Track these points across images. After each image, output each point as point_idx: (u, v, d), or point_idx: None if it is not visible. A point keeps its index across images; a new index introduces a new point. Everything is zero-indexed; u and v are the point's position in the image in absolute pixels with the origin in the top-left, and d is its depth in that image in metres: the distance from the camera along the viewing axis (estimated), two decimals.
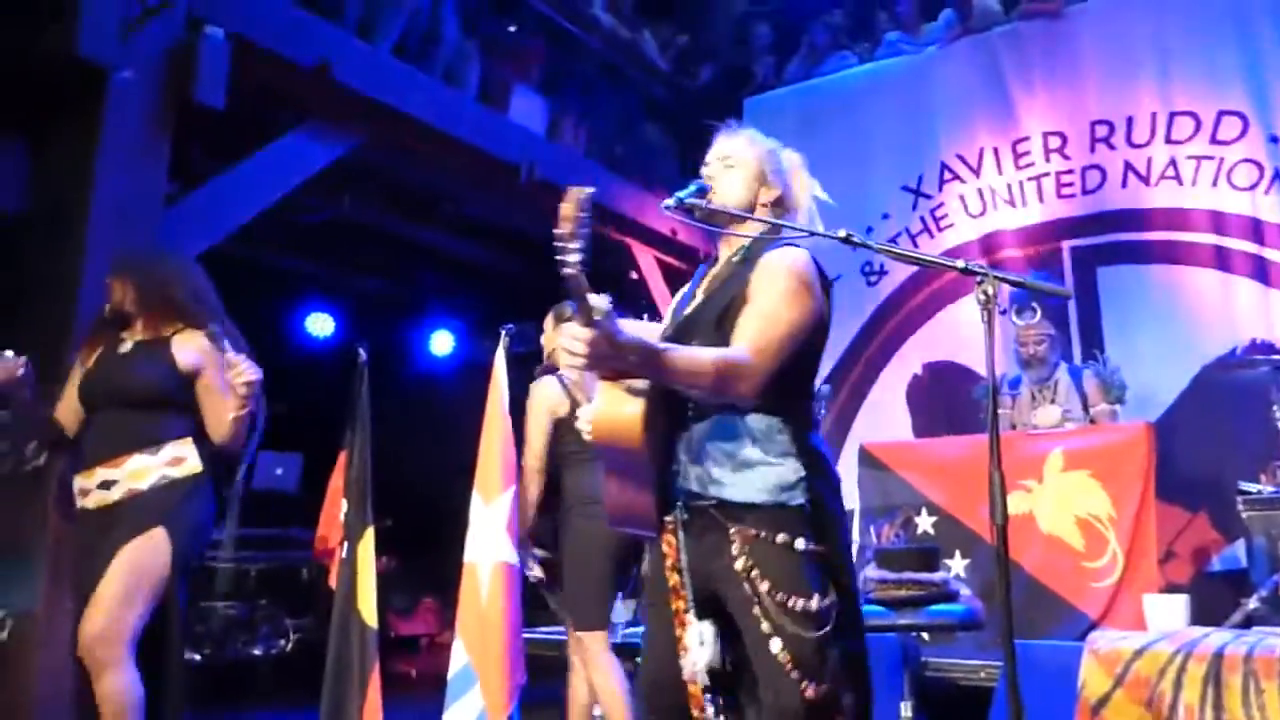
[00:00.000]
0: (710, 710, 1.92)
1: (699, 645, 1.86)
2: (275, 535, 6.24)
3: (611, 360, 1.73)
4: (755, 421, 1.89)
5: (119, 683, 2.36)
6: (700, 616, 1.88)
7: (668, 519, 1.93)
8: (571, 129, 5.80)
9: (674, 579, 1.91)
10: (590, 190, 1.69)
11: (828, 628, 1.82)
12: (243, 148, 4.07)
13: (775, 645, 1.81)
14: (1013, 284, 1.89)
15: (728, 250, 2.10)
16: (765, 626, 1.82)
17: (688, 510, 1.91)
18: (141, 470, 2.55)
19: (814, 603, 1.81)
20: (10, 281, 3.49)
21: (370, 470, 3.48)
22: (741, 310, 1.91)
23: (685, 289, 2.20)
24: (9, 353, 2.59)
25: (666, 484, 1.92)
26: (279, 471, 6.57)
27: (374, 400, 3.58)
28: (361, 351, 3.58)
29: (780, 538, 1.84)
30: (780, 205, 2.11)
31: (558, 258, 1.67)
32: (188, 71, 3.60)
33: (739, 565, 1.84)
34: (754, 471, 1.87)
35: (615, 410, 1.82)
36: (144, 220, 3.51)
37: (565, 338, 1.72)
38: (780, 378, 1.87)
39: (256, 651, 5.99)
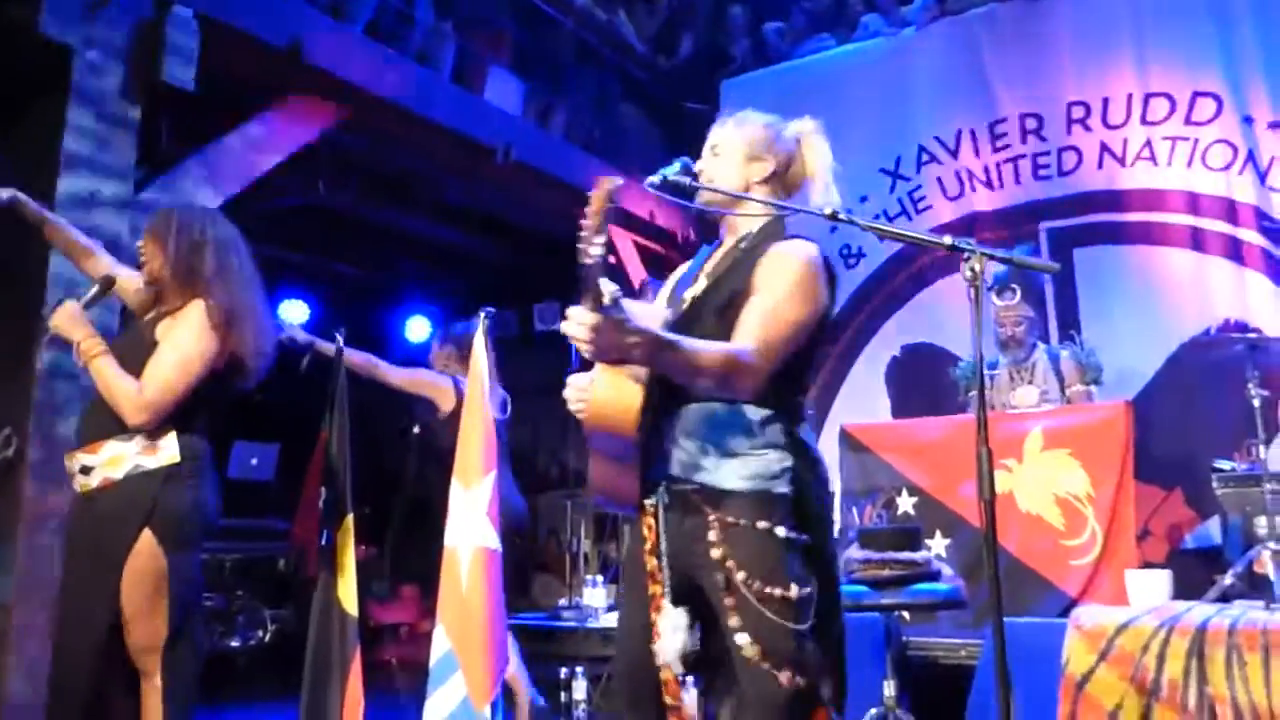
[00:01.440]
0: (691, 695, 1.90)
1: (672, 632, 1.81)
2: (252, 526, 6.18)
3: (617, 348, 1.67)
4: (747, 412, 1.87)
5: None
6: (676, 602, 1.84)
7: (648, 501, 1.90)
8: (548, 111, 5.74)
9: (651, 563, 1.88)
10: (620, 181, 1.65)
11: (807, 619, 1.79)
12: (213, 130, 3.99)
13: (743, 639, 1.78)
14: (999, 260, 1.89)
15: (732, 235, 2.07)
16: (734, 620, 1.79)
17: (669, 493, 1.88)
18: (116, 458, 2.45)
19: (792, 592, 1.78)
20: None
21: (349, 457, 3.43)
22: (745, 301, 1.87)
23: (686, 269, 2.16)
24: None
25: (650, 465, 1.90)
26: (254, 461, 6.51)
27: (350, 387, 3.53)
28: (338, 336, 3.53)
29: (760, 524, 1.81)
30: (779, 178, 2.09)
31: (580, 246, 1.60)
32: (155, 52, 3.52)
33: (715, 553, 1.82)
34: (738, 460, 1.85)
35: (615, 397, 1.80)
36: (113, 203, 3.44)
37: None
38: (777, 372, 1.84)
39: (234, 643, 5.93)
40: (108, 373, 2.43)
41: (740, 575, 1.79)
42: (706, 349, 1.77)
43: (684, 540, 1.87)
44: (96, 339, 2.47)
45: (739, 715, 1.87)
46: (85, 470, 2.44)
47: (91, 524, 2.43)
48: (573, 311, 1.66)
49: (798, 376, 1.94)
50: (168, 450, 2.47)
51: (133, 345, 2.50)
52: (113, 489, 2.43)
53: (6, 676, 3.03)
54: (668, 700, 1.87)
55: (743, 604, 1.79)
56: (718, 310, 1.91)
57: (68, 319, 2.48)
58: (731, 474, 1.85)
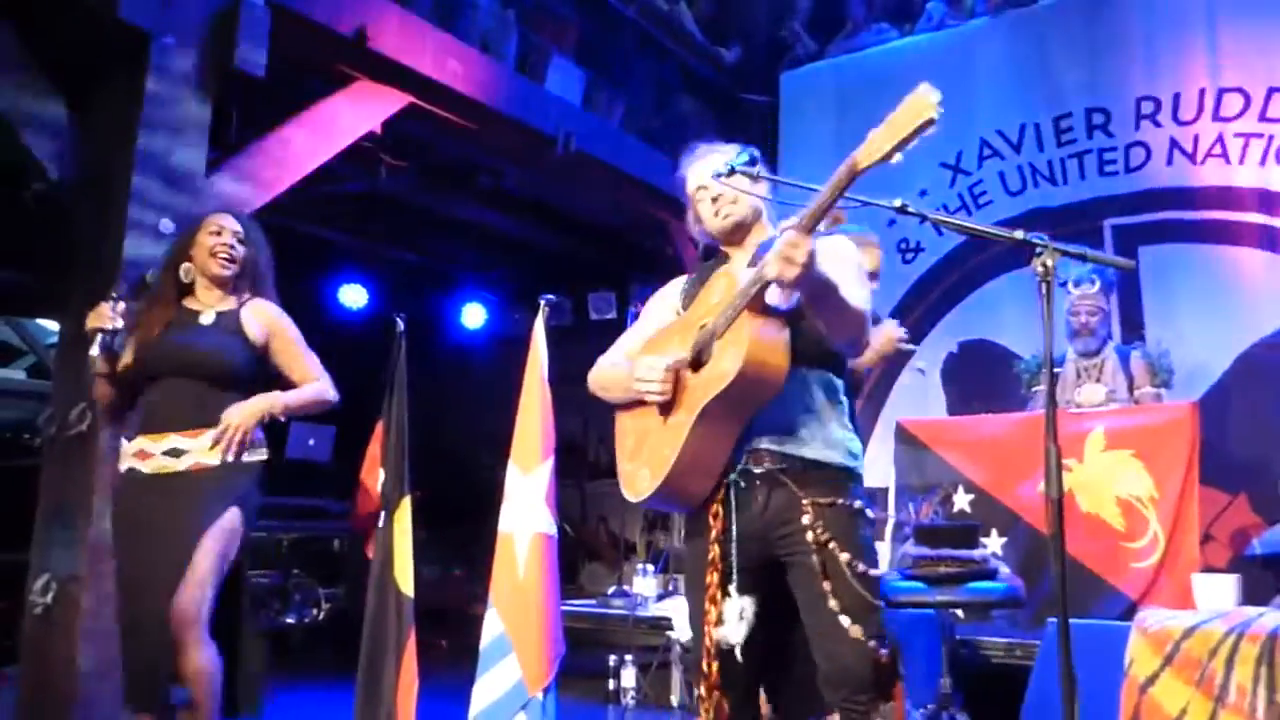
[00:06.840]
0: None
1: (738, 620, 1.80)
2: (308, 505, 6.30)
3: (811, 278, 1.68)
4: (832, 381, 1.91)
5: (205, 657, 2.41)
6: (743, 590, 1.82)
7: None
8: (608, 101, 5.75)
9: (714, 551, 1.86)
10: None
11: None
12: (280, 116, 4.06)
13: (845, 620, 1.79)
14: (1074, 255, 1.85)
15: (748, 244, 2.06)
16: (833, 603, 1.79)
17: (746, 476, 1.86)
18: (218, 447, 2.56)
19: (880, 569, 1.85)
20: (55, 245, 3.52)
21: (407, 440, 3.48)
22: None
23: (682, 283, 2.16)
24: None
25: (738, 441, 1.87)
26: (311, 442, 6.62)
27: (409, 371, 3.58)
28: (399, 321, 3.58)
29: (856, 503, 1.85)
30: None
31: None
32: (229, 39, 3.60)
33: (810, 536, 1.81)
34: (832, 432, 1.88)
35: (773, 344, 1.75)
36: (186, 186, 3.53)
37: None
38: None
39: (289, 620, 6.05)
40: (300, 401, 2.73)
41: (845, 557, 1.80)
42: (855, 296, 1.80)
43: (768, 523, 1.86)
44: (268, 398, 2.66)
45: (802, 692, 1.88)
46: (174, 453, 2.53)
47: (173, 502, 2.49)
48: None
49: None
50: (260, 448, 2.66)
51: (230, 344, 2.66)
52: (206, 474, 2.53)
53: (79, 645, 3.13)
54: (699, 691, 1.88)
55: (842, 586, 1.79)
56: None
57: (251, 412, 2.61)
58: (827, 447, 1.87)
